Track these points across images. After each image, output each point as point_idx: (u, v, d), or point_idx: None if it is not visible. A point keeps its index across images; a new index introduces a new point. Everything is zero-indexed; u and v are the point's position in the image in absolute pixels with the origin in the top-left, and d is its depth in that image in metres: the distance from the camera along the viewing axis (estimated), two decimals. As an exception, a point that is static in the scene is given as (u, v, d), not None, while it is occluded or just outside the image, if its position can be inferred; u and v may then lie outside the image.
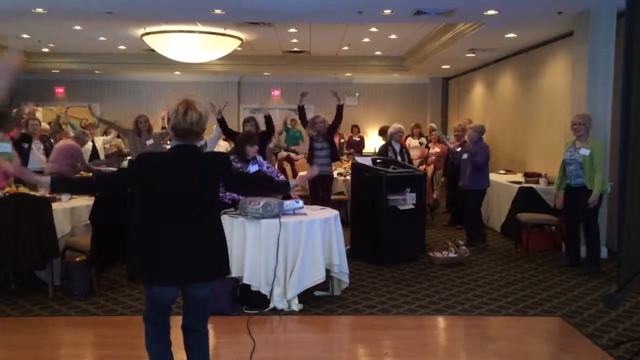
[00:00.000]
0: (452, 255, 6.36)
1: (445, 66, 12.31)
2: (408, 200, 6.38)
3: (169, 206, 2.69)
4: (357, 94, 15.35)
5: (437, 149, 9.52)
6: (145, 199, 2.71)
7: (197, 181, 2.72)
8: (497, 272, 6.00)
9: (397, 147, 7.51)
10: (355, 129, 13.55)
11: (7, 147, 7.42)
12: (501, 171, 9.27)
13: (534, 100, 9.23)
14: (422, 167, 9.04)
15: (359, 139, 13.30)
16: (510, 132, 10.24)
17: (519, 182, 7.66)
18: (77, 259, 5.03)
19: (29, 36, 10.69)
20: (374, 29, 9.78)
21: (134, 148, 7.62)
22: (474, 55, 10.24)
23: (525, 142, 9.51)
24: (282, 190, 3.29)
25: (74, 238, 5.30)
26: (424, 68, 12.66)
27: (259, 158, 5.43)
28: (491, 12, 6.61)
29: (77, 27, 9.69)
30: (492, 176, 8.40)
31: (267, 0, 6.06)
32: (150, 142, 7.50)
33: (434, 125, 11.43)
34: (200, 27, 9.30)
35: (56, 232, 4.99)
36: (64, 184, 3.21)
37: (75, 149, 7.18)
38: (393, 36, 10.50)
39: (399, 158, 7.29)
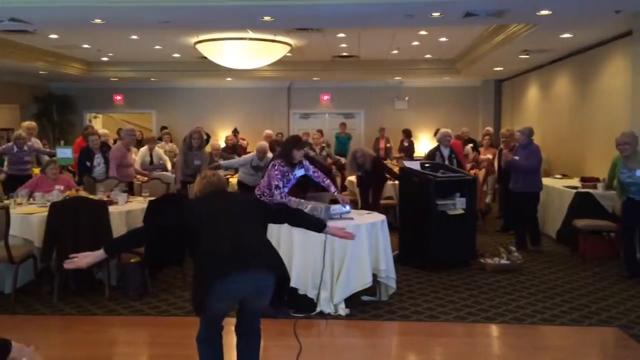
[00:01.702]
0: (504, 261, 6.21)
1: (498, 68, 12.05)
2: (457, 205, 6.29)
3: (220, 235, 2.84)
4: (406, 97, 15.23)
5: (489, 155, 9.28)
6: (196, 238, 2.87)
7: (238, 213, 2.98)
8: (551, 280, 5.81)
9: (446, 152, 7.41)
10: (404, 133, 13.44)
11: (68, 152, 7.82)
12: (557, 176, 8.99)
13: (591, 102, 8.91)
14: (473, 172, 8.86)
15: (408, 143, 13.19)
16: (566, 135, 9.91)
17: (575, 187, 7.41)
18: (132, 261, 5.21)
19: (89, 46, 11.17)
20: (423, 32, 9.69)
21: (183, 161, 7.70)
22: (527, 56, 9.98)
23: (582, 146, 9.19)
24: (316, 229, 3.38)
25: (129, 240, 5.48)
26: (475, 70, 12.43)
27: (305, 162, 5.43)
28: (544, 12, 6.42)
29: (134, 37, 10.05)
30: (548, 181, 8.21)
31: (315, 6, 6.10)
32: (197, 162, 7.59)
33: (490, 129, 11.20)
34: (251, 34, 9.47)
35: (113, 234, 5.19)
36: (117, 244, 3.25)
37: (120, 151, 7.44)
38: (443, 39, 10.37)
39: (447, 163, 7.19)
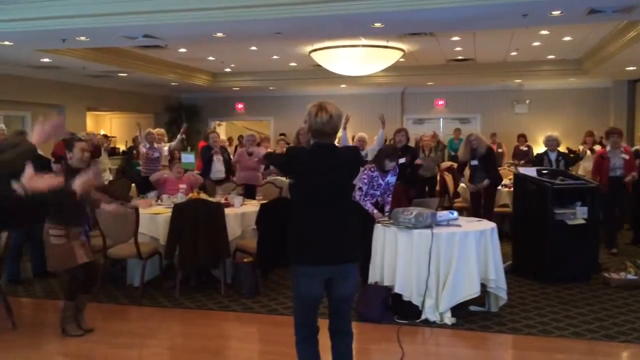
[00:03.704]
0: (631, 277, 5.72)
1: (631, 67, 11.09)
2: (578, 215, 5.90)
3: (313, 193, 2.94)
4: (527, 100, 14.51)
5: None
6: (295, 187, 3.04)
7: (333, 171, 2.95)
8: (687, 299, 5.27)
9: (553, 156, 7.07)
10: (522, 138, 12.82)
11: (191, 157, 8.43)
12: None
13: None
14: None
15: (526, 148, 12.55)
16: None
17: None
18: (245, 260, 5.49)
19: (214, 58, 11.92)
20: (544, 32, 9.20)
21: None
22: (664, 54, 9.11)
23: None
24: None
25: (244, 241, 5.79)
26: (605, 71, 11.54)
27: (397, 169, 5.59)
28: (681, 5, 5.85)
29: (253, 48, 10.57)
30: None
31: (423, 11, 6.04)
32: None
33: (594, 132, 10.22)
34: (363, 41, 9.57)
35: (228, 234, 5.51)
36: None
37: (239, 154, 7.88)
38: (567, 38, 9.77)
39: (554, 168, 6.83)
